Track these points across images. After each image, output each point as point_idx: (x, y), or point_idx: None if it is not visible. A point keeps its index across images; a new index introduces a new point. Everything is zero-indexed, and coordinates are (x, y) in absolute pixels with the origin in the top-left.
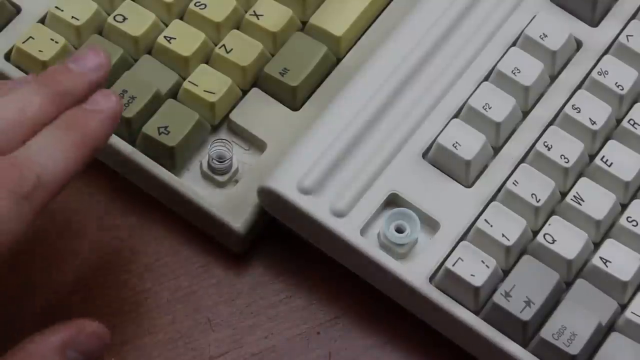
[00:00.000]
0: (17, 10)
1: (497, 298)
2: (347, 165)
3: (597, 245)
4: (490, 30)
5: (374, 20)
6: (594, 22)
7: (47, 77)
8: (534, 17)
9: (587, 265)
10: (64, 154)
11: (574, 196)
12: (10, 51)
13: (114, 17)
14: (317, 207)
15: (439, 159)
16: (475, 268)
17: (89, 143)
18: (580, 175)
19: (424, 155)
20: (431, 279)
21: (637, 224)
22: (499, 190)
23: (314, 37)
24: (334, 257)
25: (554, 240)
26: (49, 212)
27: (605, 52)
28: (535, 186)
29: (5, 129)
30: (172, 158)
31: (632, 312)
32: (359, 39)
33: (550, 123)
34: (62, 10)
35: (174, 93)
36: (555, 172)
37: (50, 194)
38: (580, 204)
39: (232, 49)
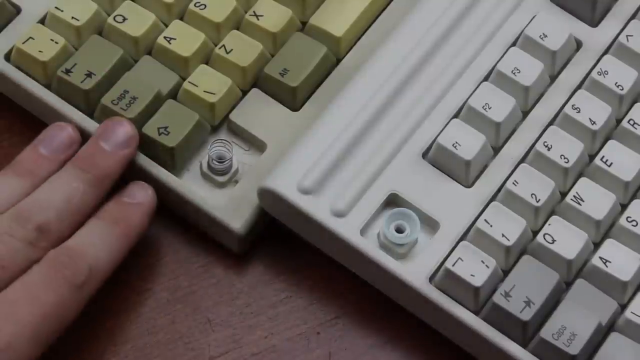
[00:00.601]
0: (17, 10)
1: (497, 298)
2: (347, 165)
3: (597, 245)
4: (490, 30)
5: (374, 21)
6: (594, 22)
7: (85, 161)
8: (534, 17)
9: (587, 265)
10: (111, 247)
11: (574, 196)
12: (10, 51)
13: (114, 18)
14: (317, 207)
15: (439, 159)
16: (475, 268)
17: (132, 235)
18: (580, 175)
19: (424, 155)
20: (431, 279)
21: (637, 224)
22: (499, 190)
23: (314, 37)
24: (334, 257)
25: (553, 240)
26: None
27: (605, 52)
28: (535, 186)
29: (55, 219)
30: (172, 158)
31: (632, 312)
32: (359, 39)
33: (550, 123)
34: (62, 11)
35: (174, 93)
36: (555, 172)
37: (99, 283)
38: (580, 204)
39: (232, 50)
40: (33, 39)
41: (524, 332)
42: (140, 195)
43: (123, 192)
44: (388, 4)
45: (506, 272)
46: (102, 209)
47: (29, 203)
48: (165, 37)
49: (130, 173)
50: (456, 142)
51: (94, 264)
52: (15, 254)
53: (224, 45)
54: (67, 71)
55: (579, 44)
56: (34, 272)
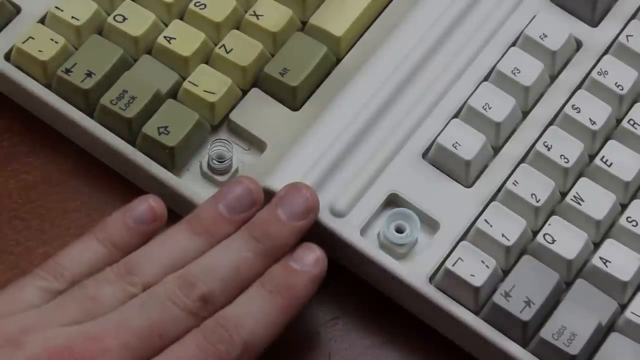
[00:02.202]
0: (17, 10)
1: (497, 298)
2: (347, 165)
3: (597, 245)
4: (490, 30)
5: (374, 20)
6: (594, 22)
7: (259, 230)
8: (534, 17)
9: (587, 265)
10: (271, 320)
11: (574, 196)
12: (10, 51)
13: (114, 17)
14: None
15: (439, 159)
16: (475, 268)
17: (295, 307)
18: (580, 175)
19: (424, 155)
20: (431, 279)
21: (637, 224)
22: (499, 190)
23: (314, 37)
24: (333, 257)
25: (553, 240)
26: (45, 210)
27: (605, 52)
28: (535, 186)
29: (220, 290)
30: (172, 158)
31: (632, 312)
32: (359, 39)
33: (550, 123)
34: (62, 10)
35: (174, 93)
36: (555, 172)
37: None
38: (580, 204)
39: (232, 49)
40: (33, 38)
41: (524, 332)
42: (309, 260)
43: (292, 254)
44: (388, 4)
45: (506, 272)
46: (267, 274)
47: (196, 268)
48: (165, 37)
49: (130, 172)
50: (456, 142)
51: (249, 340)
52: (175, 323)
53: (224, 45)
54: (67, 71)
55: (579, 44)
56: (189, 344)
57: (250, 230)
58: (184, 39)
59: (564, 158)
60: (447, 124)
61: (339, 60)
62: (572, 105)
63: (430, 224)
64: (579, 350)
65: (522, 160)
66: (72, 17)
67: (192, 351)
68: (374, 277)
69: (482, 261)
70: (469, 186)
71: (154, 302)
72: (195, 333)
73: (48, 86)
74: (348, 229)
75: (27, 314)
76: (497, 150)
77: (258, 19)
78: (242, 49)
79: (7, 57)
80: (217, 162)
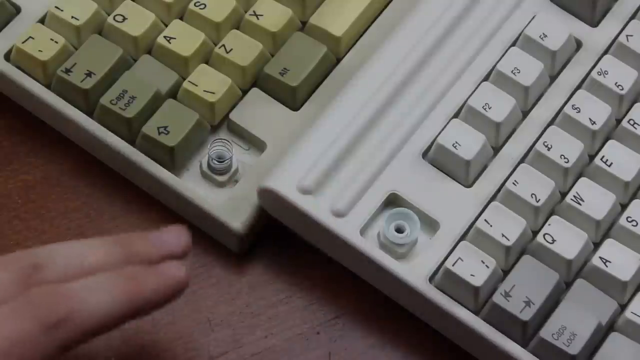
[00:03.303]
0: (17, 10)
1: (497, 298)
2: (347, 165)
3: (597, 245)
4: (490, 30)
5: (374, 20)
6: (594, 22)
7: (123, 238)
8: (534, 17)
9: (587, 265)
10: (112, 298)
11: (574, 196)
12: (10, 51)
13: (114, 17)
14: (317, 207)
15: (439, 159)
16: (475, 268)
17: (139, 299)
18: (580, 175)
19: (424, 155)
20: (431, 279)
21: (637, 224)
22: (498, 190)
23: (314, 37)
24: (334, 257)
25: (553, 240)
26: (45, 210)
27: (605, 52)
28: (535, 186)
29: (57, 262)
30: (172, 158)
31: (631, 312)
32: (359, 39)
33: (550, 123)
34: (62, 10)
35: (173, 93)
36: (555, 172)
37: (82, 334)
38: (580, 204)
39: (232, 49)
40: (33, 38)
41: (524, 332)
42: (171, 270)
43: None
44: (388, 4)
45: (506, 272)
46: (124, 268)
47: (44, 249)
48: (165, 37)
49: (130, 172)
50: (456, 142)
51: (77, 309)
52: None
53: (223, 45)
54: (67, 71)
55: (579, 44)
56: (7, 304)
57: (115, 237)
58: (184, 39)
59: (564, 158)
60: (447, 124)
61: (339, 60)
62: (572, 105)
63: (430, 224)
64: (579, 350)
65: (522, 160)
66: (72, 17)
67: (8, 310)
68: (374, 277)
69: (482, 261)
70: (469, 186)
71: None
72: (18, 297)
73: (48, 86)
74: (348, 229)
75: None
76: (497, 150)
77: (258, 19)
78: (242, 49)
79: (7, 57)
80: (217, 162)
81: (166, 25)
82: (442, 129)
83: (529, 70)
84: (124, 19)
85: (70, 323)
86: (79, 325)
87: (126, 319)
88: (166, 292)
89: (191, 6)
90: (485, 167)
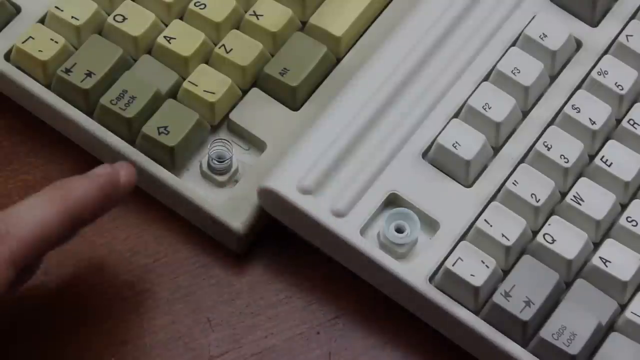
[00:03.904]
0: (17, 10)
1: (497, 298)
2: (347, 165)
3: (597, 245)
4: (490, 30)
5: (374, 20)
6: (594, 22)
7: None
8: (534, 17)
9: (587, 265)
10: (41, 209)
11: (574, 196)
12: (10, 51)
13: (114, 17)
14: (317, 207)
15: (439, 158)
16: (475, 268)
17: (68, 202)
18: (580, 175)
19: (424, 155)
20: (431, 279)
21: (637, 224)
22: (498, 190)
23: (313, 37)
24: (334, 257)
25: (553, 240)
26: None
27: (605, 52)
28: (535, 186)
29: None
30: (171, 158)
31: (631, 312)
32: (359, 39)
33: (550, 123)
34: (62, 10)
35: (173, 93)
36: (555, 172)
37: (26, 245)
38: (580, 204)
39: (232, 49)
40: (33, 38)
41: (524, 332)
42: (97, 170)
43: None
44: (388, 4)
45: (506, 272)
46: None
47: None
48: (165, 37)
49: None
50: (456, 142)
51: (15, 224)
52: None
53: (223, 45)
54: (67, 71)
55: (579, 44)
56: None
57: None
58: (184, 39)
59: (564, 158)
60: (447, 124)
61: (339, 60)
62: (572, 105)
63: (430, 224)
64: (579, 350)
65: (522, 160)
66: (72, 17)
67: None
68: (374, 277)
69: (482, 261)
70: (469, 186)
71: None
72: None
73: (48, 86)
74: (348, 229)
75: None
76: (497, 150)
77: (258, 19)
78: (242, 49)
79: (7, 57)
80: (217, 162)
81: (166, 25)
82: (442, 129)
83: (529, 70)
84: (124, 19)
85: (9, 236)
86: (19, 236)
87: (64, 225)
88: (98, 191)
89: (191, 6)
90: (485, 167)
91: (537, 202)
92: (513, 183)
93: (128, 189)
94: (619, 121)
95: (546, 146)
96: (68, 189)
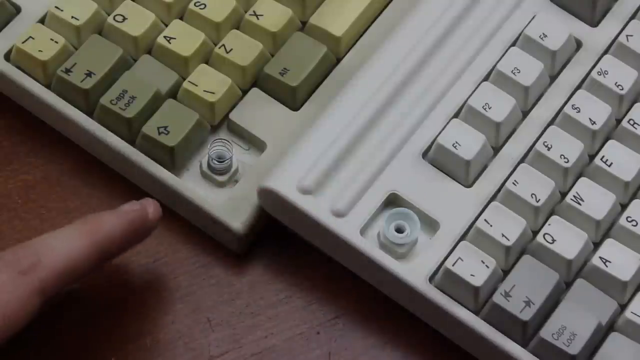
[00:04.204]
0: (17, 10)
1: (497, 298)
2: (347, 165)
3: (597, 245)
4: (490, 30)
5: (374, 20)
6: (594, 22)
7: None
8: (534, 17)
9: (587, 265)
10: (71, 241)
11: (574, 196)
12: (10, 51)
13: (114, 17)
14: (317, 207)
15: (439, 158)
16: (475, 268)
17: (98, 236)
18: (580, 175)
19: (424, 155)
20: (431, 279)
21: (637, 224)
22: (498, 190)
23: (314, 37)
24: (334, 257)
25: (553, 240)
26: (45, 210)
27: (605, 52)
28: (535, 186)
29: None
30: (171, 158)
31: (632, 312)
32: (359, 39)
33: (550, 123)
34: (62, 10)
35: (173, 93)
36: (555, 172)
37: (54, 276)
38: (580, 204)
39: (232, 49)
40: (33, 38)
41: (524, 332)
42: (126, 207)
43: None
44: (388, 4)
45: (506, 272)
46: None
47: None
48: (165, 37)
49: (130, 172)
50: (456, 142)
51: (45, 254)
52: None
53: (223, 45)
54: (67, 71)
55: (579, 44)
56: None
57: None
58: (184, 39)
59: (564, 158)
60: (447, 124)
61: (339, 60)
62: (572, 105)
63: (430, 224)
64: (579, 350)
65: (522, 160)
66: (72, 17)
67: None
68: (374, 277)
69: (482, 261)
70: (469, 186)
71: None
72: None
73: (48, 86)
74: (348, 229)
75: None
76: (497, 150)
77: (258, 18)
78: (242, 49)
79: (7, 57)
80: (217, 162)
81: (166, 25)
82: (442, 129)
83: (529, 70)
84: (124, 19)
85: (41, 266)
86: (50, 266)
87: (93, 258)
88: (127, 227)
89: (191, 6)
90: (485, 167)
91: (537, 202)
92: (513, 183)
93: (155, 224)
94: (619, 121)
95: (546, 146)
96: (98, 223)
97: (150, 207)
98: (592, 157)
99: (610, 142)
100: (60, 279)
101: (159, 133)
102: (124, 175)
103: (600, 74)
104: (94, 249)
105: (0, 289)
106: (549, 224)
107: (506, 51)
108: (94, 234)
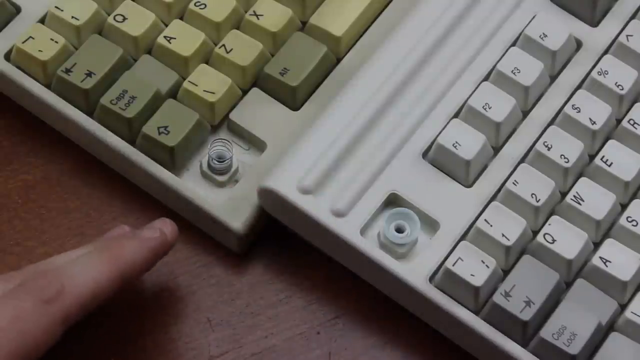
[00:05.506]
0: (17, 10)
1: (497, 298)
2: (347, 165)
3: (597, 245)
4: (490, 30)
5: (374, 20)
6: (594, 22)
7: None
8: (534, 17)
9: (587, 265)
10: (93, 269)
11: (574, 196)
12: (10, 51)
13: (114, 17)
14: (317, 207)
15: (439, 158)
16: (475, 268)
17: (120, 263)
18: (580, 175)
19: (424, 155)
20: (431, 279)
21: (637, 224)
22: (499, 190)
23: (314, 37)
24: (334, 257)
25: (553, 240)
26: (45, 210)
27: (605, 52)
28: (535, 186)
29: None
30: (172, 158)
31: (632, 312)
32: (359, 39)
33: (550, 123)
34: (62, 10)
35: (174, 93)
36: (555, 172)
37: (77, 304)
38: (580, 204)
39: (232, 49)
40: (33, 38)
41: (524, 332)
42: (145, 232)
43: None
44: (388, 4)
45: (506, 272)
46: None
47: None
48: (165, 37)
49: (130, 172)
50: (456, 142)
51: (68, 283)
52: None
53: (224, 45)
54: (67, 71)
55: (579, 44)
56: (4, 293)
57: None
58: (184, 38)
59: (564, 158)
60: (447, 124)
61: (339, 60)
62: (572, 105)
63: (430, 224)
64: (579, 350)
65: (522, 160)
66: (72, 17)
67: (7, 293)
68: (374, 277)
69: (482, 261)
70: (469, 186)
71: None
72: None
73: (48, 86)
74: (348, 229)
75: None
76: (497, 150)
77: (258, 18)
78: (242, 49)
79: (7, 57)
80: (217, 162)
81: (166, 25)
82: (442, 129)
83: (529, 70)
84: (124, 19)
85: (63, 295)
86: (73, 296)
87: (115, 285)
88: (146, 252)
89: (191, 6)
90: (485, 167)
91: (537, 202)
92: (513, 183)
93: (173, 245)
94: (619, 121)
95: (546, 146)
96: (120, 249)
97: (167, 229)
98: (592, 157)
99: (610, 142)
100: (83, 307)
101: (159, 133)
102: (124, 175)
103: (600, 74)
104: (116, 276)
105: (25, 318)
106: (549, 224)
107: (506, 51)
108: (116, 261)
